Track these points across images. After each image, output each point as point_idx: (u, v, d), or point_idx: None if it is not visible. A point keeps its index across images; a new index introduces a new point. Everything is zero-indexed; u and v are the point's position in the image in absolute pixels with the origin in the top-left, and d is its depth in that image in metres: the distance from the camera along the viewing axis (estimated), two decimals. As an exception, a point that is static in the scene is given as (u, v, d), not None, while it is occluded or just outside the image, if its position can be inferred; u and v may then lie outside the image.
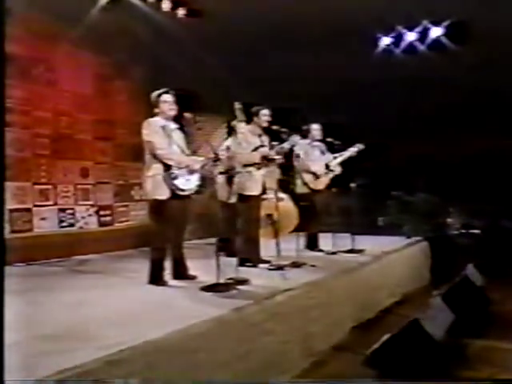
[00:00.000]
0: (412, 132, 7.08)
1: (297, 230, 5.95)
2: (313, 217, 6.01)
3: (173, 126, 4.32)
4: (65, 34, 6.33)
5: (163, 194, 4.07)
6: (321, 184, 6.02)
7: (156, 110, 4.29)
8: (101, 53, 6.91)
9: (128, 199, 7.38)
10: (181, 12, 7.19)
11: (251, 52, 7.09)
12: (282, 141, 5.04)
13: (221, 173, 4.35)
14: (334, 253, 5.68)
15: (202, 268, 4.34)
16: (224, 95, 7.44)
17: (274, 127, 4.98)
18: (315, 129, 6.14)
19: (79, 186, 6.76)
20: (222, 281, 3.90)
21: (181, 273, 4.26)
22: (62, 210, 6.59)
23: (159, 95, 4.28)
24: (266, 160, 4.98)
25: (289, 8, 6.42)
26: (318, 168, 6.01)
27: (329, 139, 6.04)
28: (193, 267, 4.40)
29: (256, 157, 4.97)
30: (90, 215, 6.88)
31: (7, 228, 6.05)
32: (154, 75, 7.35)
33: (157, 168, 4.10)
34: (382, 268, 5.52)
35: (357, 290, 4.86)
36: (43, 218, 6.40)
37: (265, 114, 5.11)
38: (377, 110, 6.95)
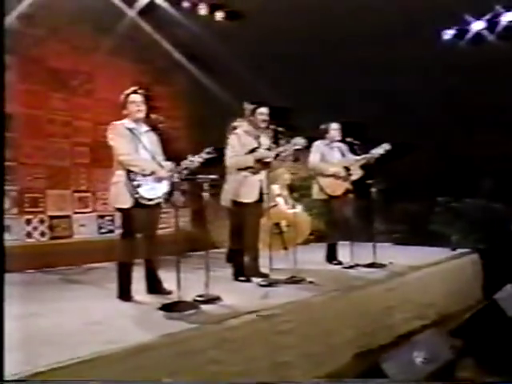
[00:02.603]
0: (463, 132, 6.12)
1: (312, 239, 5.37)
2: (330, 226, 5.39)
3: (144, 128, 3.96)
4: (103, 45, 6.40)
5: (125, 202, 3.72)
6: (339, 189, 5.32)
7: (124, 112, 3.95)
8: (139, 60, 6.90)
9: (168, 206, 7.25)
10: (219, 15, 6.99)
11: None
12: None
13: (186, 179, 3.90)
14: (351, 266, 5.02)
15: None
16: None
17: (271, 127, 4.49)
18: (334, 128, 5.44)
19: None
20: (187, 298, 3.57)
21: (155, 287, 3.93)
22: (101, 217, 6.65)
23: (127, 95, 3.94)
24: (262, 164, 4.46)
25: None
26: (336, 171, 5.32)
27: (348, 139, 5.34)
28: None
29: (249, 160, 4.45)
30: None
31: (48, 234, 6.25)
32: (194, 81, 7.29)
33: (120, 175, 3.77)
34: (405, 285, 4.76)
35: (362, 311, 4.20)
36: (82, 225, 6.49)
37: (262, 113, 4.54)
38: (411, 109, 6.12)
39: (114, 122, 3.91)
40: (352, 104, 6.32)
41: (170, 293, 3.90)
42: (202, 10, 6.89)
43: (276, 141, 4.58)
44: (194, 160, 3.81)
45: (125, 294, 3.81)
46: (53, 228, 6.22)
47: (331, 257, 5.38)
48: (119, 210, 3.82)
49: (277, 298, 3.79)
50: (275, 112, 4.64)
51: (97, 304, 3.75)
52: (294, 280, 4.33)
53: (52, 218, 6.22)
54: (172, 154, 4.09)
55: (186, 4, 6.74)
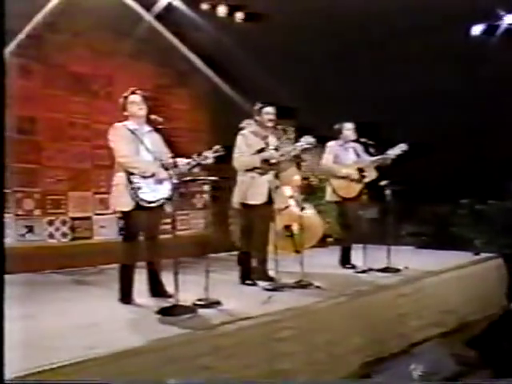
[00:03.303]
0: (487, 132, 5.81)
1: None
2: (343, 229, 5.19)
3: (146, 128, 3.89)
4: (123, 48, 6.43)
5: (126, 205, 3.67)
6: (353, 191, 5.10)
7: (125, 114, 3.89)
8: (159, 63, 6.90)
9: (189, 207, 7.23)
10: (239, 16, 6.90)
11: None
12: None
13: (186, 181, 3.82)
14: (364, 271, 4.82)
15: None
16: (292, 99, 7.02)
17: (279, 127, 4.35)
18: (348, 128, 5.24)
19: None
20: (189, 302, 3.50)
21: (157, 290, 3.87)
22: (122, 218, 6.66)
23: (126, 97, 3.87)
24: (268, 164, 4.33)
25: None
26: (349, 173, 5.12)
27: (363, 139, 5.12)
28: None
29: (256, 160, 4.33)
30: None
31: (69, 235, 6.32)
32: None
33: (120, 177, 3.72)
34: (420, 291, 4.53)
35: (371, 318, 4.01)
36: (103, 226, 6.53)
37: (268, 112, 4.41)
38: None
39: (115, 124, 3.86)
40: (371, 103, 6.10)
41: (171, 296, 3.82)
42: (221, 11, 6.82)
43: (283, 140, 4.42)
44: (209, 156, 3.73)
45: (126, 296, 3.76)
46: (74, 229, 6.28)
47: (345, 260, 5.20)
48: (120, 212, 3.77)
49: (279, 304, 3.66)
50: (283, 111, 4.50)
51: (97, 306, 3.73)
52: (300, 284, 4.18)
53: (73, 219, 6.28)
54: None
55: (204, 6, 6.68)
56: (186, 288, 3.50)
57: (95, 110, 6.52)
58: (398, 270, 4.79)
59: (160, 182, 3.73)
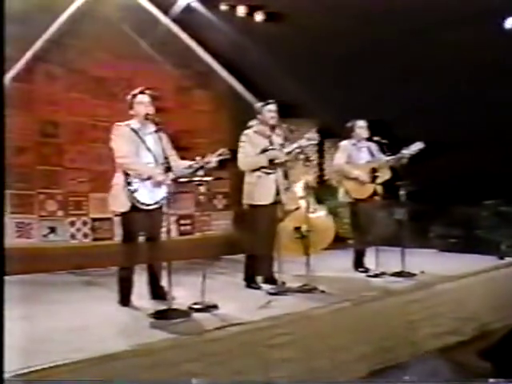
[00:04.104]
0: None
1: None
2: (356, 231, 4.97)
3: (150, 129, 3.79)
4: (144, 51, 6.44)
5: (122, 206, 3.61)
6: (365, 192, 4.87)
7: (131, 112, 3.82)
8: (180, 65, 6.86)
9: (210, 208, 7.16)
10: (259, 17, 6.78)
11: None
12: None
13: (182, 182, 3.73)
14: (377, 275, 4.59)
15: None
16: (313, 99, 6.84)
17: (284, 125, 4.20)
18: (360, 126, 4.99)
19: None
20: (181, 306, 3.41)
21: (158, 293, 3.78)
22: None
23: (134, 96, 3.81)
24: (273, 164, 4.18)
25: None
26: (362, 173, 4.89)
27: (376, 138, 4.87)
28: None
29: (262, 160, 4.18)
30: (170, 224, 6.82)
31: (90, 236, 6.38)
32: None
33: (118, 177, 3.67)
34: (435, 297, 4.26)
35: (379, 324, 3.80)
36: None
37: (270, 110, 4.28)
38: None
39: (118, 123, 3.81)
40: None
41: (172, 299, 3.75)
42: (241, 11, 6.72)
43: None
44: (212, 160, 3.65)
45: (124, 299, 3.69)
46: (95, 230, 6.32)
47: (358, 264, 4.98)
48: (118, 213, 3.72)
49: (277, 309, 3.52)
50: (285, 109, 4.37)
51: (95, 308, 3.68)
52: (305, 289, 4.02)
53: (94, 220, 6.32)
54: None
55: (223, 7, 6.60)
56: (190, 290, 3.43)
57: (116, 112, 6.50)
58: (412, 275, 4.54)
59: (158, 184, 3.65)
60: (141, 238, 3.86)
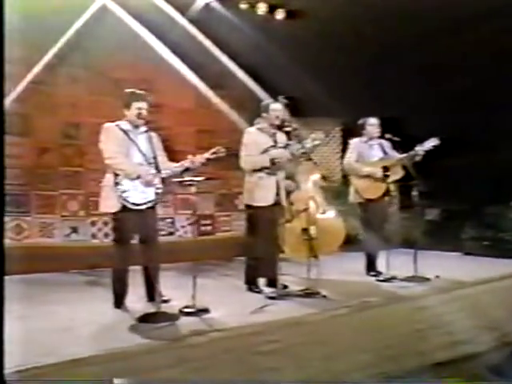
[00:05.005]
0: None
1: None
2: (367, 233, 4.67)
3: (142, 129, 3.72)
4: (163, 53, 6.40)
5: (112, 206, 3.53)
6: (377, 192, 4.60)
7: (125, 112, 3.76)
8: (199, 65, 6.77)
9: (231, 209, 7.04)
10: (280, 14, 6.61)
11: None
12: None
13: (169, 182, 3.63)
14: (388, 279, 4.31)
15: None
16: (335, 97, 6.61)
17: (286, 124, 4.02)
18: (372, 123, 4.75)
19: (179, 196, 6.71)
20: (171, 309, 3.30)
21: (153, 295, 3.61)
22: (162, 219, 6.63)
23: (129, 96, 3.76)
24: (276, 164, 4.01)
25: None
26: (371, 172, 4.63)
27: (387, 135, 4.59)
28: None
29: (265, 160, 4.02)
30: (190, 224, 6.78)
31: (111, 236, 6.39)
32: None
33: (108, 178, 3.60)
34: (448, 304, 3.94)
35: (383, 332, 3.55)
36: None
37: (275, 109, 4.11)
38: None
39: (106, 124, 3.75)
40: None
41: (167, 301, 3.65)
42: (261, 9, 6.58)
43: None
44: (198, 160, 3.60)
45: (117, 301, 3.62)
46: (115, 230, 6.34)
47: (370, 267, 4.71)
48: (110, 214, 3.65)
49: (269, 314, 3.34)
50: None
51: (87, 309, 3.61)
52: (306, 293, 3.82)
53: (115, 220, 6.34)
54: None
55: (243, 6, 6.47)
56: (190, 293, 3.33)
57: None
58: (426, 280, 4.25)
59: (148, 183, 3.56)
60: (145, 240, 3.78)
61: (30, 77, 5.63)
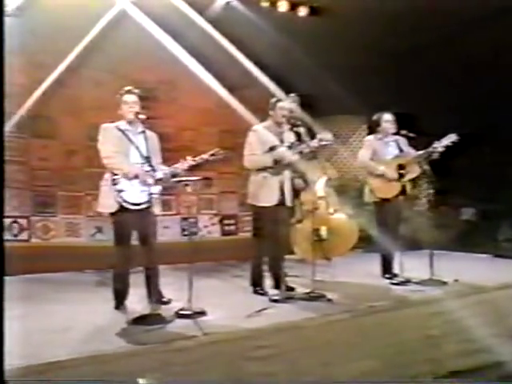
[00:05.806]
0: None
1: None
2: (382, 234, 4.40)
3: (139, 129, 3.67)
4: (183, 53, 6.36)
5: (110, 206, 3.50)
6: (392, 191, 4.34)
7: (119, 112, 3.71)
8: (221, 66, 6.69)
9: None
10: (302, 11, 6.43)
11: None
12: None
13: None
14: (402, 282, 4.06)
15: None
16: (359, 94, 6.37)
17: (293, 122, 3.86)
18: (387, 120, 4.49)
19: (202, 196, 6.66)
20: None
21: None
22: (184, 219, 6.60)
23: (120, 95, 3.69)
24: (280, 164, 3.86)
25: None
26: (388, 169, 4.37)
27: (403, 132, 4.34)
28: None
29: (268, 160, 3.88)
30: (213, 224, 6.72)
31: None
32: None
33: (105, 178, 3.57)
34: (465, 309, 3.63)
35: (386, 338, 3.34)
36: (166, 227, 6.52)
37: (282, 108, 3.97)
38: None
39: (104, 124, 3.72)
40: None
41: (167, 303, 3.60)
42: (283, 6, 6.42)
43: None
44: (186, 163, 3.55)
45: (117, 301, 3.58)
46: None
47: (385, 269, 4.45)
48: (109, 214, 3.62)
49: (266, 318, 3.20)
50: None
51: (86, 310, 3.58)
52: (311, 296, 3.65)
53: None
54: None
55: (264, 4, 6.34)
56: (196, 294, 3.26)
57: (159, 114, 6.55)
58: (442, 283, 3.98)
59: (146, 183, 3.50)
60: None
61: (53, 79, 5.72)
